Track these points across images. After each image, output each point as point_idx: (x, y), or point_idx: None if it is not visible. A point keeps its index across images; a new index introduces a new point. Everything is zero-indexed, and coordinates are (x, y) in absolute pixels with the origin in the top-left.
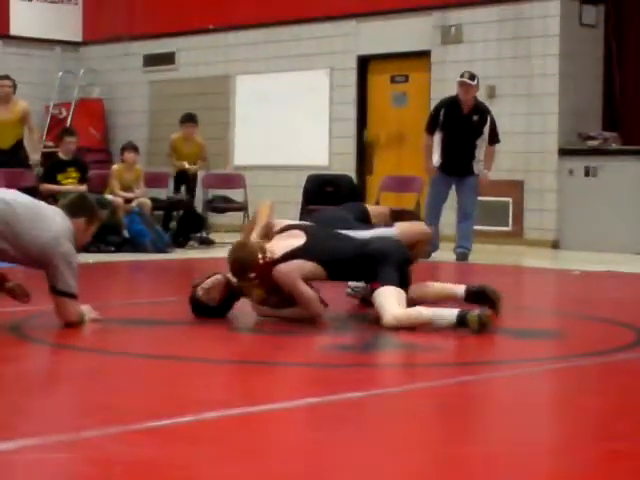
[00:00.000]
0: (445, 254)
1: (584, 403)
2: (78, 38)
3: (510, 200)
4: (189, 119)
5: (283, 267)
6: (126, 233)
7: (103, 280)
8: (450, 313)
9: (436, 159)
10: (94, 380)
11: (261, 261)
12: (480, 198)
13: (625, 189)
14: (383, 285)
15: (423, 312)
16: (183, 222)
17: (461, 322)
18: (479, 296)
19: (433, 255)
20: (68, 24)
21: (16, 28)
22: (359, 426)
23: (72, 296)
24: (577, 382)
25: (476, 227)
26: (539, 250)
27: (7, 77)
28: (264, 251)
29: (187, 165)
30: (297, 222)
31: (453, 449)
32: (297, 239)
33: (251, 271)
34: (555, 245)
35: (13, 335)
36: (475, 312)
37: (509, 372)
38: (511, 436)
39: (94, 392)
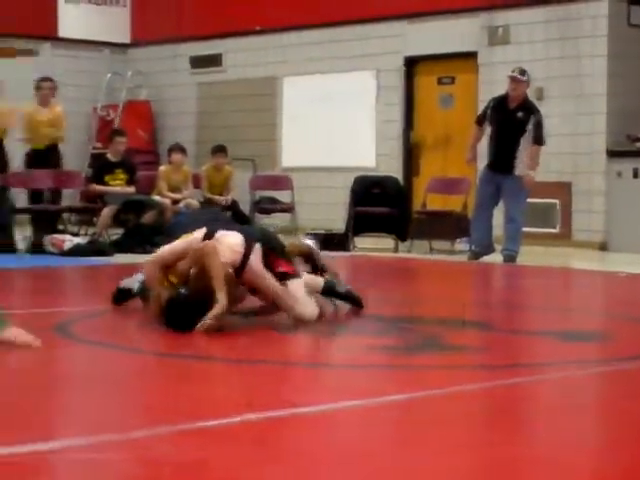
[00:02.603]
0: (496, 256)
1: (630, 407)
2: (126, 40)
3: (558, 202)
4: (220, 150)
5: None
6: None
7: None
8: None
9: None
10: (140, 381)
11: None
12: (528, 200)
13: None
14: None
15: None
16: None
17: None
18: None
19: (485, 257)
20: (116, 26)
21: (64, 30)
22: (404, 428)
23: None
24: (623, 385)
25: (524, 229)
26: (587, 252)
27: (48, 79)
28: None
29: (217, 197)
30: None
31: (500, 451)
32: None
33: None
34: (603, 247)
35: (59, 335)
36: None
37: (555, 374)
38: (557, 438)
39: (140, 392)
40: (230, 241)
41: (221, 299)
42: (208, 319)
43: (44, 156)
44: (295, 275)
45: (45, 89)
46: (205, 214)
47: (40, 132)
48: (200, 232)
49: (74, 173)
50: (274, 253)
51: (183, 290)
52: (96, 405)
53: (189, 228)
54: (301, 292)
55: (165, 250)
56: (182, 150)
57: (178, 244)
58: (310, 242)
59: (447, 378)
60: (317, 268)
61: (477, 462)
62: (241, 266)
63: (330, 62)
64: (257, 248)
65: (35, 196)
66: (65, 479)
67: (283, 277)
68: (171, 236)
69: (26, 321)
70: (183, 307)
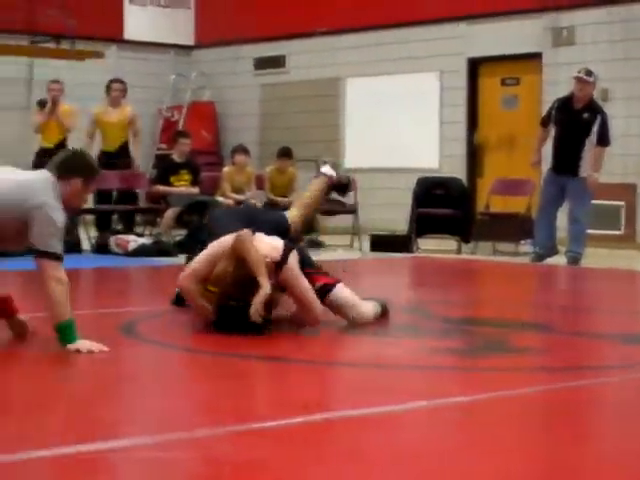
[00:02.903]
0: (560, 258)
1: None
2: (190, 42)
3: (623, 204)
4: (285, 154)
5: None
6: None
7: None
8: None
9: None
10: (204, 380)
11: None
12: (592, 201)
13: None
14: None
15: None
16: None
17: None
18: None
19: (549, 259)
20: (181, 28)
21: (130, 33)
22: (466, 430)
23: (56, 258)
24: None
25: (588, 231)
26: None
27: (119, 81)
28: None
29: (280, 199)
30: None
31: (562, 454)
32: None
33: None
34: None
35: (124, 335)
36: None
37: (618, 377)
38: (619, 441)
39: (201, 392)
40: (269, 240)
41: (264, 283)
42: (255, 306)
43: (115, 158)
44: (336, 283)
45: (116, 90)
46: (241, 211)
47: (110, 134)
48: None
49: (139, 174)
50: (310, 266)
51: (232, 303)
52: (159, 404)
53: (228, 224)
54: (349, 294)
55: (198, 262)
56: (245, 151)
57: (210, 252)
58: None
59: (510, 380)
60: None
61: (539, 465)
62: (280, 263)
63: (393, 63)
64: (294, 253)
65: (102, 197)
66: (129, 477)
67: (325, 289)
68: (212, 233)
69: (92, 321)
70: (235, 317)
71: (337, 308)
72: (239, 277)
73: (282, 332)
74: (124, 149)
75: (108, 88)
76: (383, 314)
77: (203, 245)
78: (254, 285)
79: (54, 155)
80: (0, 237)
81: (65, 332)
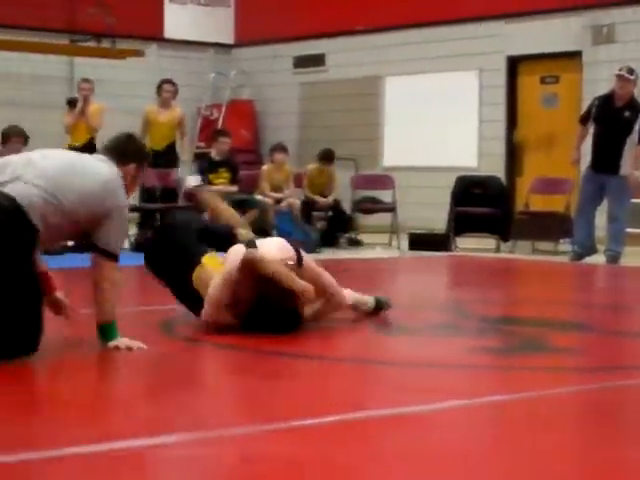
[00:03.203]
0: (599, 257)
1: None
2: (230, 40)
3: None
4: (327, 158)
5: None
6: (275, 233)
7: None
8: (369, 299)
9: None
10: (242, 378)
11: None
12: (631, 200)
13: None
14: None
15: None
16: (332, 222)
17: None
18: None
19: (588, 258)
20: (220, 27)
21: (170, 31)
22: (505, 429)
23: (115, 259)
24: None
25: (627, 230)
26: None
27: (170, 82)
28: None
29: (318, 197)
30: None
31: (600, 454)
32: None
33: None
34: None
35: (164, 333)
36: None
37: None
38: None
39: (242, 390)
40: (270, 242)
41: (302, 286)
42: (305, 308)
43: (161, 157)
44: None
45: (167, 92)
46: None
47: (159, 133)
48: (238, 250)
49: (175, 172)
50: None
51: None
52: (199, 402)
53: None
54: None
55: (218, 290)
56: (284, 150)
57: (225, 277)
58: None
59: (548, 380)
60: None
61: (578, 465)
62: (299, 261)
63: (432, 62)
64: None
65: (146, 195)
66: (166, 474)
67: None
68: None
69: (132, 318)
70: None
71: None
72: (265, 293)
73: (319, 330)
74: (171, 148)
75: (159, 89)
76: (377, 310)
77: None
78: (286, 293)
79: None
80: (58, 236)
81: (108, 330)
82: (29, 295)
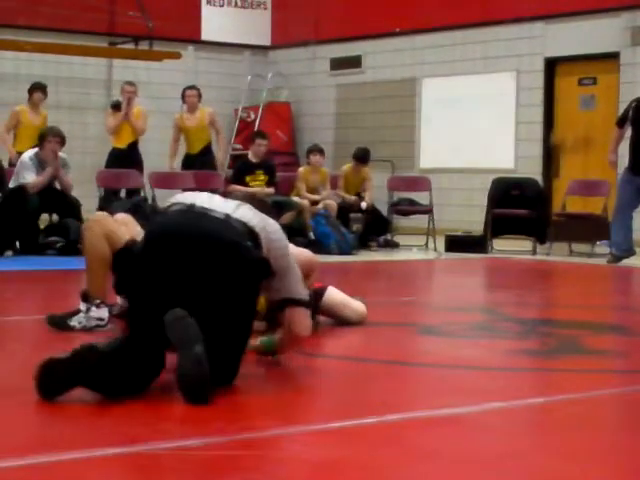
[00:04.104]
0: (636, 259)
1: None
2: (267, 42)
3: None
4: (362, 159)
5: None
6: (312, 235)
7: None
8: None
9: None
10: (279, 379)
11: None
12: None
13: None
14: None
15: None
16: (368, 224)
17: None
18: None
19: (625, 261)
20: (257, 29)
21: (207, 33)
22: (543, 431)
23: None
24: None
25: None
26: None
27: (192, 87)
28: None
29: (351, 197)
30: None
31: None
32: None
33: None
34: None
35: None
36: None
37: None
38: None
39: (279, 391)
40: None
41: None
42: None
43: (197, 160)
44: (326, 287)
45: (190, 97)
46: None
47: (192, 138)
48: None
49: (214, 174)
50: None
51: None
52: (233, 403)
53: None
54: (340, 294)
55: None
56: (321, 152)
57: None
58: None
59: (586, 382)
60: None
61: (617, 468)
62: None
63: (469, 63)
64: None
65: None
66: (201, 476)
67: (317, 293)
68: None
69: None
70: None
71: (331, 309)
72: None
73: (356, 332)
74: (207, 150)
75: (183, 96)
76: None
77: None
78: None
79: (125, 156)
80: None
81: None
82: (247, 329)
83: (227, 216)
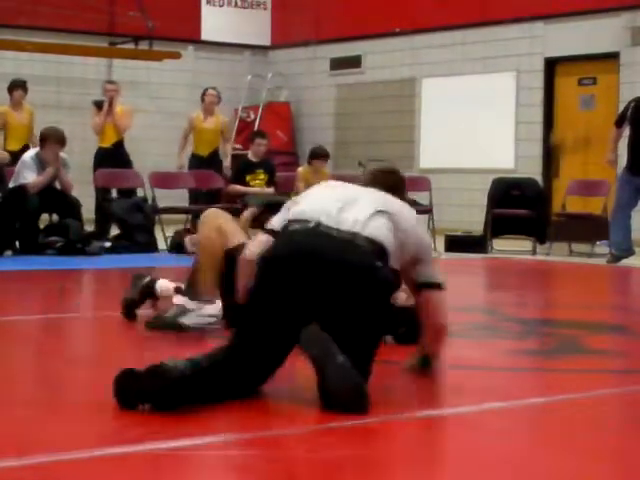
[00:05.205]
0: (636, 259)
1: None
2: (266, 42)
3: None
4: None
5: None
6: None
7: None
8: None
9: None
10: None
11: None
12: None
13: None
14: None
15: None
16: None
17: None
18: None
19: (624, 261)
20: (257, 29)
21: (207, 33)
22: (545, 431)
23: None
24: None
25: None
26: None
27: (214, 88)
28: None
29: None
30: None
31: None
32: None
33: None
34: None
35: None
36: None
37: None
38: None
39: (282, 391)
40: None
41: None
42: None
43: (205, 162)
44: None
45: (211, 96)
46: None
47: (205, 139)
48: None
49: (213, 174)
50: None
51: None
52: (233, 403)
53: None
54: None
55: None
56: (326, 157)
57: None
58: None
59: (587, 382)
60: None
61: (617, 467)
62: None
63: (469, 63)
64: None
65: (194, 197)
66: (210, 475)
67: None
68: None
69: None
70: None
71: None
72: None
73: None
74: (215, 154)
75: (203, 95)
76: None
77: None
78: None
79: (111, 155)
80: None
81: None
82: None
83: (354, 235)
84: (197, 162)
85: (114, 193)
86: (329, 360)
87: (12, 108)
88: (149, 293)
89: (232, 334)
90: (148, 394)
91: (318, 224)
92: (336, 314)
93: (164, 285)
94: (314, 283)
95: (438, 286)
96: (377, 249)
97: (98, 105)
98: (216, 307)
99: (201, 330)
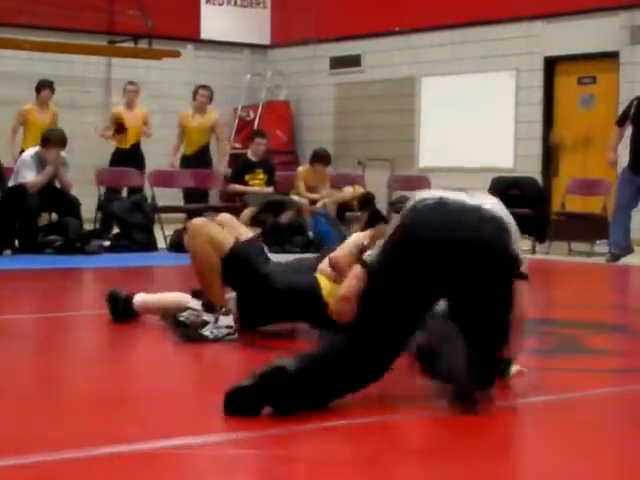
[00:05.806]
0: (635, 258)
1: None
2: (266, 41)
3: None
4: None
5: None
6: (311, 234)
7: None
8: None
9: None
10: None
11: None
12: None
13: None
14: None
15: None
16: (368, 223)
17: None
18: None
19: (624, 259)
20: (256, 28)
21: (206, 32)
22: (544, 430)
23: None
24: None
25: None
26: None
27: (205, 87)
28: None
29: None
30: None
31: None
32: None
33: None
34: None
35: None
36: None
37: None
38: None
39: None
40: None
41: None
42: None
43: (192, 160)
44: None
45: (202, 96)
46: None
47: (191, 137)
48: None
49: (212, 173)
50: None
51: None
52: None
53: None
54: None
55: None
56: (327, 162)
57: None
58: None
59: (587, 381)
60: None
61: (617, 466)
62: None
63: (469, 62)
64: None
65: (189, 196)
66: (205, 474)
67: None
68: None
69: None
70: None
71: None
72: None
73: None
74: (202, 152)
75: (195, 94)
76: None
77: None
78: None
79: (129, 156)
80: None
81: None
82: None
83: (479, 208)
84: (185, 161)
85: (124, 193)
86: (449, 342)
87: (37, 107)
88: (127, 312)
89: (345, 326)
90: (269, 398)
91: (442, 198)
92: (465, 294)
93: (140, 300)
94: (447, 259)
95: (524, 276)
96: (500, 225)
97: (119, 129)
98: (230, 318)
99: (219, 341)
